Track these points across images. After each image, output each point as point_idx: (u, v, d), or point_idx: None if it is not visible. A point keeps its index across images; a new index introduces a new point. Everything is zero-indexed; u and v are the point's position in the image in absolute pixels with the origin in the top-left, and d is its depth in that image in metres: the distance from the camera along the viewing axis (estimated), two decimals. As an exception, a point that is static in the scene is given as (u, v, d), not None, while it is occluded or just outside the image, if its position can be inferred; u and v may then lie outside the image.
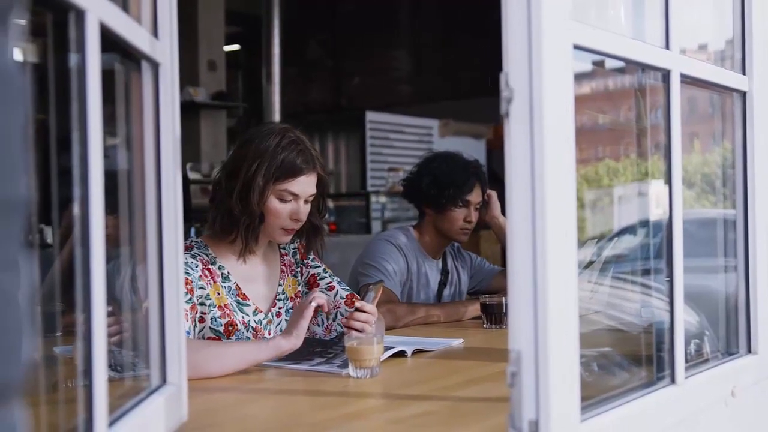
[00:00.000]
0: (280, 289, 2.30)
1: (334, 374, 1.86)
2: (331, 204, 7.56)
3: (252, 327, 2.19)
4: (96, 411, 0.99)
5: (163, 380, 1.34)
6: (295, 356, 2.02)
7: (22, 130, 0.53)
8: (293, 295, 2.33)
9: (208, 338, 2.12)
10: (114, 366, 1.27)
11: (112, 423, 1.06)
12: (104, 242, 1.00)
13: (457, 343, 2.30)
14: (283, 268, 2.34)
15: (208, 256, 2.19)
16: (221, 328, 2.13)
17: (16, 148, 0.51)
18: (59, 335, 1.65)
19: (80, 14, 0.96)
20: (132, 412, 1.18)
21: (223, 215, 2.17)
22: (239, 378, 1.85)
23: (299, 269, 2.37)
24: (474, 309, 2.78)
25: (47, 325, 1.57)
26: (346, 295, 2.33)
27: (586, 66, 1.37)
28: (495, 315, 2.61)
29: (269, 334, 2.23)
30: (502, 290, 2.94)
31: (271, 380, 1.88)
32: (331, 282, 2.36)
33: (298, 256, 2.37)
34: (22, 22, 0.58)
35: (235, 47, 9.73)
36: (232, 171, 2.16)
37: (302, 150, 2.16)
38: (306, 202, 2.19)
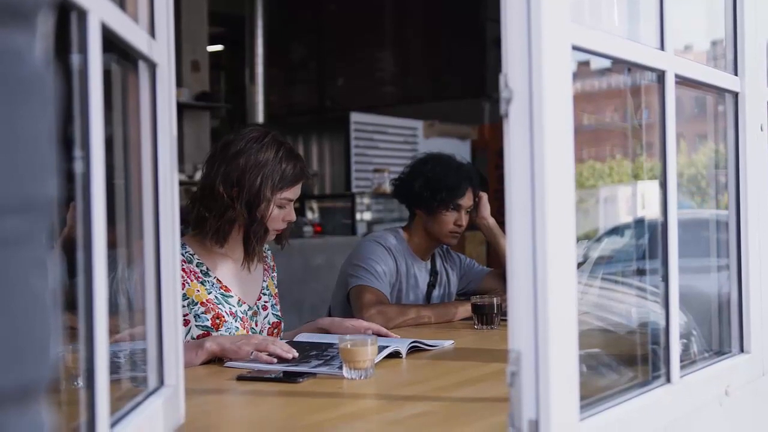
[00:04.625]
0: (264, 285, 2.36)
1: (335, 376, 1.84)
2: (315, 205, 7.55)
3: (239, 317, 2.20)
4: (98, 413, 0.98)
5: (161, 382, 1.33)
6: (291, 360, 2.01)
7: (51, 131, 0.52)
8: (275, 293, 2.41)
9: (197, 336, 2.12)
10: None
11: (112, 425, 1.06)
12: (105, 243, 1.00)
13: (448, 344, 2.30)
14: (265, 267, 2.40)
15: (184, 255, 2.20)
16: (208, 323, 2.15)
17: (45, 149, 0.51)
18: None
19: (82, 14, 0.95)
20: (131, 414, 1.17)
21: (225, 224, 2.19)
22: (236, 380, 1.84)
23: (274, 274, 2.45)
24: (464, 310, 2.79)
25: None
26: (273, 322, 2.38)
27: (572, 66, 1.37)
28: (486, 316, 2.61)
29: (256, 326, 2.29)
30: (492, 291, 2.95)
31: (267, 382, 1.87)
32: (275, 302, 2.42)
33: (272, 263, 2.46)
34: (49, 22, 0.58)
35: (219, 48, 9.71)
36: (228, 181, 2.17)
37: (298, 158, 2.25)
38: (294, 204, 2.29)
